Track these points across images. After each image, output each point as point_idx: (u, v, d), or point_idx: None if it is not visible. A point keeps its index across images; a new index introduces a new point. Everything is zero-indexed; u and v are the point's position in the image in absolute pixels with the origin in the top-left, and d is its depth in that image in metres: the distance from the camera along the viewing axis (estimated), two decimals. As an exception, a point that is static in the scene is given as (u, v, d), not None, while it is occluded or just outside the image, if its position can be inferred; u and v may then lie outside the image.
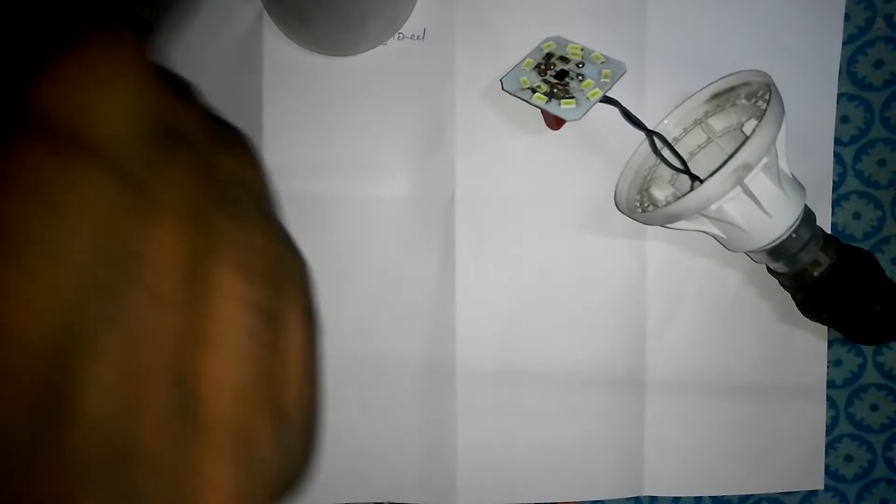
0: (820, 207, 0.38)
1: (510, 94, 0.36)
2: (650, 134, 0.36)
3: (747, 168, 0.31)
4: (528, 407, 0.38)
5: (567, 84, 0.35)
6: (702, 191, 0.31)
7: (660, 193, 0.37)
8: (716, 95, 0.36)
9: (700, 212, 0.33)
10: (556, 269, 0.38)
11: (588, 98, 0.34)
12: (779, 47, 0.38)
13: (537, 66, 0.36)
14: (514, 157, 0.38)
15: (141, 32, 0.18)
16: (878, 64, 0.39)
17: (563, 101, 0.34)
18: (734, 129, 0.37)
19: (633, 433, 0.39)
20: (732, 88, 0.36)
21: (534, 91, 0.35)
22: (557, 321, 0.38)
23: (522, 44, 0.37)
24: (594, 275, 0.38)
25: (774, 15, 0.38)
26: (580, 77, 0.35)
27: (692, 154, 0.38)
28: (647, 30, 0.37)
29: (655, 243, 0.38)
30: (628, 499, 0.39)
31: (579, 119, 0.34)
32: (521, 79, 0.36)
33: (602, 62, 0.36)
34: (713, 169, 0.32)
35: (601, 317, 0.38)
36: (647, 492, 0.39)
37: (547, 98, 0.35)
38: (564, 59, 0.36)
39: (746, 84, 0.35)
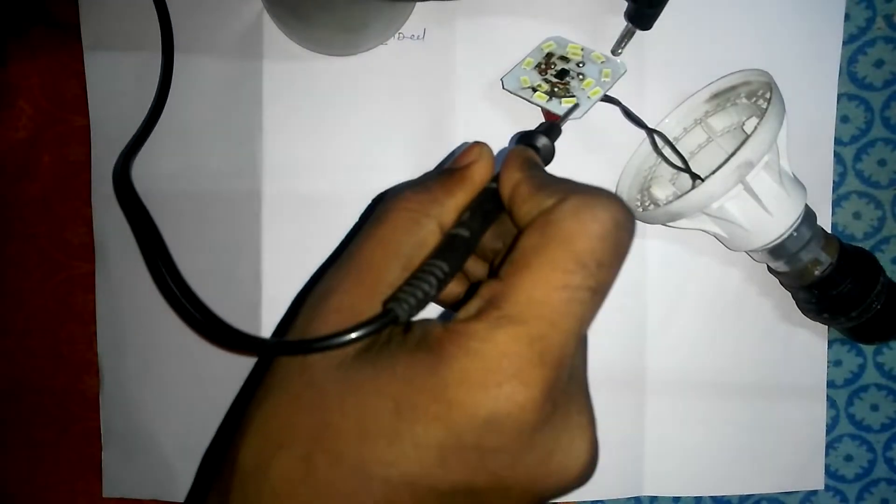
0: (820, 207, 0.38)
1: (511, 93, 0.36)
2: (651, 133, 0.36)
3: (749, 165, 0.31)
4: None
5: (568, 83, 0.35)
6: (704, 188, 0.31)
7: (660, 193, 0.37)
8: (716, 95, 0.36)
9: (702, 210, 0.33)
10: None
11: (589, 97, 0.34)
12: (779, 47, 0.38)
13: (538, 66, 0.36)
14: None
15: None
16: (879, 64, 0.38)
17: (563, 99, 0.34)
18: (734, 128, 0.37)
19: (633, 433, 0.39)
20: (733, 88, 0.36)
21: (534, 90, 0.35)
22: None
23: (522, 44, 0.37)
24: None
25: (774, 15, 0.38)
26: (581, 76, 0.35)
27: (692, 154, 0.38)
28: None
29: (655, 242, 0.38)
30: (628, 498, 0.39)
31: (580, 118, 0.34)
32: (522, 78, 0.36)
33: (602, 62, 0.36)
34: (714, 168, 0.32)
35: (601, 316, 0.38)
36: (648, 491, 0.39)
37: (548, 97, 0.35)
38: (565, 59, 0.36)
39: (747, 83, 0.35)
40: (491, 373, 0.20)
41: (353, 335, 0.22)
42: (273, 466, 0.21)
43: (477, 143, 0.26)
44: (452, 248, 0.24)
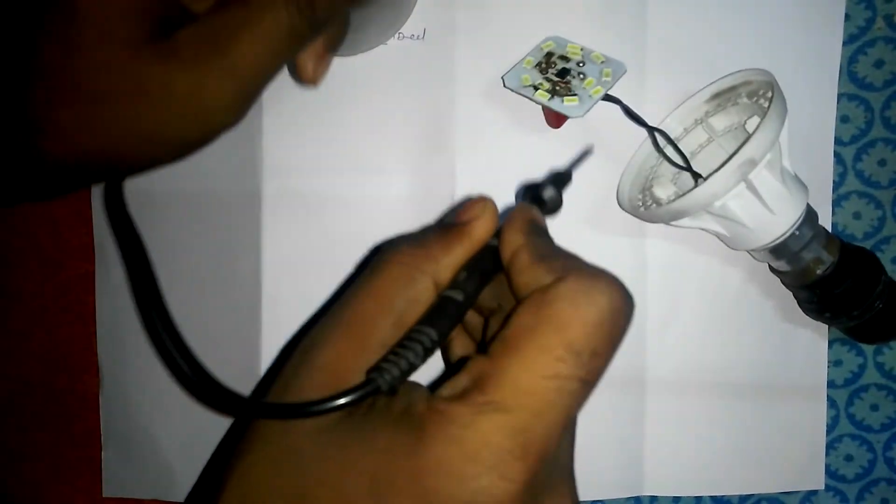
0: (820, 207, 0.38)
1: (512, 90, 0.36)
2: (652, 131, 0.36)
3: (752, 163, 0.31)
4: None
5: (569, 82, 0.35)
6: (707, 186, 0.31)
7: (662, 192, 0.37)
8: (717, 95, 0.36)
9: (704, 209, 0.33)
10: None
11: (591, 95, 0.34)
12: (779, 47, 0.38)
13: (538, 65, 0.36)
14: (515, 157, 0.38)
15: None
16: (879, 64, 0.38)
17: (565, 98, 0.34)
18: (735, 128, 0.37)
19: (633, 432, 0.39)
20: (733, 88, 0.36)
21: (536, 88, 0.35)
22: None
23: (522, 43, 0.37)
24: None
25: (775, 14, 0.38)
26: (581, 75, 0.35)
27: (693, 154, 0.38)
28: (647, 29, 0.37)
29: (656, 241, 0.38)
30: (628, 498, 0.39)
31: (583, 116, 0.34)
32: (523, 76, 0.36)
33: (602, 62, 0.36)
34: (715, 168, 0.32)
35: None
36: (648, 491, 0.39)
37: (550, 95, 0.34)
38: (565, 59, 0.36)
39: (747, 83, 0.35)
40: (470, 463, 0.20)
41: (331, 405, 0.21)
42: None
43: (481, 197, 0.26)
44: (443, 314, 0.23)
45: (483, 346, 0.23)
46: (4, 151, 0.24)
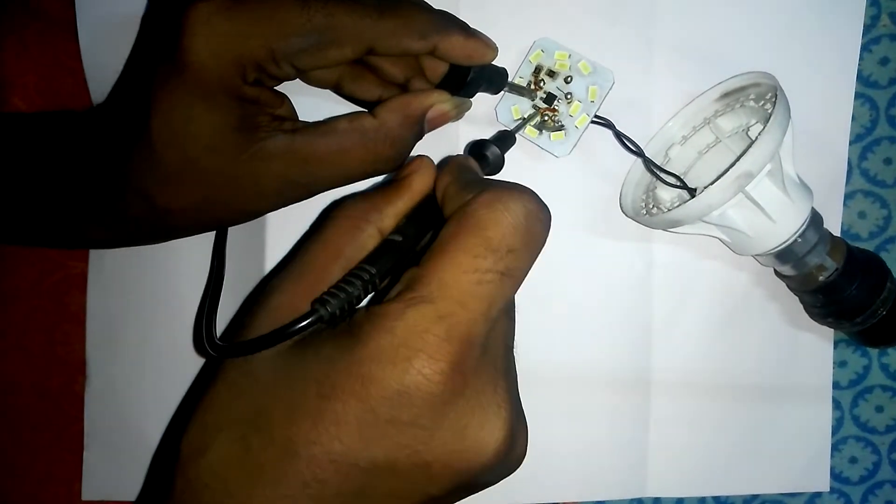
0: (831, 207, 0.37)
1: (505, 126, 0.36)
2: (644, 158, 0.36)
3: (749, 176, 0.31)
4: (532, 407, 0.38)
5: (556, 110, 0.35)
6: (703, 198, 0.31)
7: (665, 195, 0.37)
8: (726, 94, 0.36)
9: (702, 218, 0.33)
10: (561, 270, 0.38)
11: (576, 127, 0.35)
12: (794, 43, 0.37)
13: (527, 86, 0.36)
14: (518, 156, 0.37)
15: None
16: (884, 61, 0.38)
17: (553, 134, 0.35)
18: (743, 129, 0.36)
19: (637, 434, 0.39)
20: (742, 88, 0.35)
21: (526, 121, 0.35)
22: (563, 322, 0.38)
23: (525, 43, 0.36)
24: (600, 276, 0.38)
25: (789, 9, 0.37)
26: (569, 96, 0.35)
27: (701, 153, 0.37)
28: (655, 25, 0.37)
29: (662, 245, 0.38)
30: (632, 499, 0.39)
31: (569, 153, 0.35)
32: (513, 107, 0.36)
33: (589, 72, 0.35)
34: (720, 170, 0.32)
35: (607, 317, 0.38)
36: (651, 492, 0.39)
37: (538, 131, 0.35)
38: (552, 74, 0.35)
39: (756, 85, 0.35)
40: (402, 347, 0.22)
41: (282, 333, 0.24)
42: (212, 449, 0.23)
43: (419, 156, 0.29)
44: (382, 253, 0.26)
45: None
46: (132, 218, 0.30)
